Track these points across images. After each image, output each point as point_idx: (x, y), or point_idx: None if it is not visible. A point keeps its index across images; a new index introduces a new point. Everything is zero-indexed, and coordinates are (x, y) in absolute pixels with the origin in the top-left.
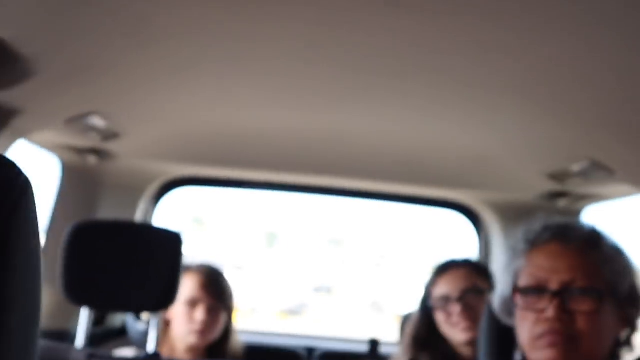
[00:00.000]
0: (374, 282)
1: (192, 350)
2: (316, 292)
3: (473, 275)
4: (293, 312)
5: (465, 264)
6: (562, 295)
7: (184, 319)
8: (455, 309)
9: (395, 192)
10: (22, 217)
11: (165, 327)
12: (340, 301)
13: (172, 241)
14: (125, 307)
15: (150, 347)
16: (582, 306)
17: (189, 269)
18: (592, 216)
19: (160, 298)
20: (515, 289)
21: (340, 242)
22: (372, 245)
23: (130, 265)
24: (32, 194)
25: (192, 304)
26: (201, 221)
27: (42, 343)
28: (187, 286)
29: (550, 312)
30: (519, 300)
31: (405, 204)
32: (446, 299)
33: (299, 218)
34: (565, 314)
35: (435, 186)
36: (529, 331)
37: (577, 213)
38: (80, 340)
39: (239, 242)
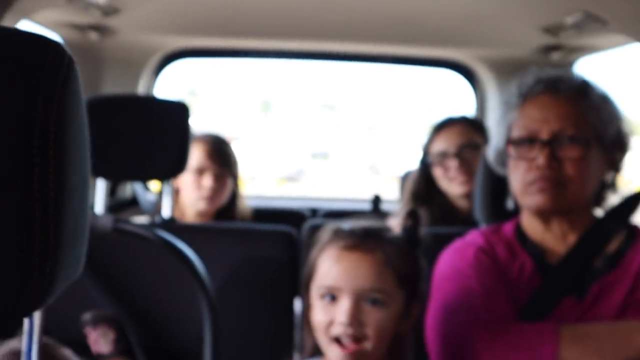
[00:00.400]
0: (371, 145)
1: (202, 215)
2: (314, 158)
3: (469, 130)
4: (291, 178)
5: (461, 121)
6: (551, 144)
7: (192, 187)
8: (453, 163)
9: (390, 53)
10: (72, 89)
11: (174, 195)
12: (337, 166)
13: (179, 111)
14: (138, 177)
15: (165, 212)
16: (570, 153)
17: (195, 138)
18: (585, 68)
19: (171, 166)
20: (509, 141)
21: (333, 107)
22: (367, 109)
23: (141, 136)
24: (76, 68)
25: (200, 171)
26: (196, 93)
27: None
28: (194, 155)
29: (540, 160)
30: (512, 150)
31: (401, 65)
32: (443, 155)
33: (293, 85)
34: (554, 162)
35: (430, 45)
36: (521, 179)
37: (570, 65)
38: (99, 208)
39: (235, 112)
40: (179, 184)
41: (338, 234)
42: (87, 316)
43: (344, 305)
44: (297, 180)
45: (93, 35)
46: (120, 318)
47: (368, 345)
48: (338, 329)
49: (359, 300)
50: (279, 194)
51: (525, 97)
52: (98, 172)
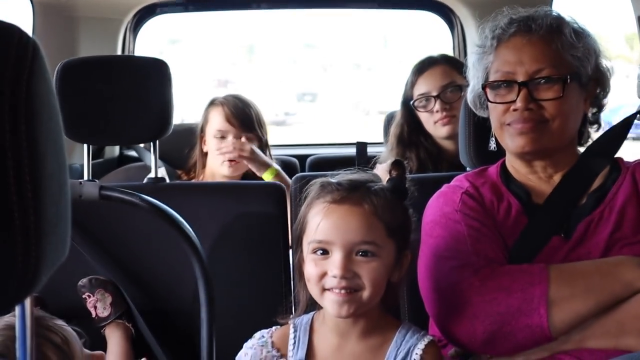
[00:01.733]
0: (358, 85)
1: (228, 179)
2: (300, 101)
3: (450, 71)
4: (279, 123)
5: (442, 61)
6: (528, 86)
7: (215, 151)
8: (436, 105)
9: None
10: (39, 77)
11: (204, 158)
12: (324, 107)
13: (159, 69)
14: (122, 140)
15: (153, 173)
16: (547, 93)
17: (214, 102)
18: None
19: (154, 128)
20: (486, 84)
21: (315, 45)
22: (351, 48)
23: (122, 98)
24: (42, 55)
25: (220, 135)
26: (177, 41)
27: None
28: (214, 119)
29: (518, 102)
30: (490, 94)
31: (377, 9)
32: (426, 97)
33: (275, 27)
34: (532, 103)
35: None
36: (499, 120)
37: (548, 2)
38: (85, 174)
39: (219, 57)
40: (206, 147)
41: (325, 187)
42: (84, 281)
43: (336, 259)
44: (286, 125)
45: None
46: (116, 282)
47: (365, 294)
48: (331, 282)
49: (351, 253)
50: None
51: (499, 40)
52: (80, 138)
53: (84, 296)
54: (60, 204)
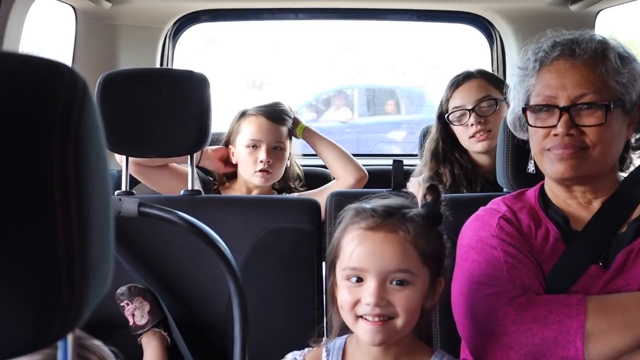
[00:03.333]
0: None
1: (260, 190)
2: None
3: (486, 85)
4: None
5: (478, 75)
6: (570, 111)
7: (247, 162)
8: (470, 118)
9: (406, 8)
10: (89, 117)
11: (230, 168)
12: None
13: (198, 83)
14: (161, 152)
15: (190, 185)
16: (589, 119)
17: (245, 113)
18: (607, 20)
19: (192, 140)
20: (526, 108)
21: (349, 48)
22: (385, 53)
23: (161, 111)
24: (90, 93)
25: (254, 145)
26: (214, 40)
27: None
28: (248, 129)
29: (559, 127)
30: (530, 117)
31: (417, 21)
32: (461, 110)
33: (308, 30)
34: (574, 129)
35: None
36: (539, 145)
37: (592, 18)
38: (123, 185)
39: (254, 59)
40: (237, 159)
41: (360, 213)
42: (122, 289)
43: (370, 286)
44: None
45: (106, 4)
46: (154, 291)
47: (399, 322)
48: (365, 309)
49: (385, 281)
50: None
51: (542, 63)
52: (120, 149)
53: (122, 304)
54: (105, 241)
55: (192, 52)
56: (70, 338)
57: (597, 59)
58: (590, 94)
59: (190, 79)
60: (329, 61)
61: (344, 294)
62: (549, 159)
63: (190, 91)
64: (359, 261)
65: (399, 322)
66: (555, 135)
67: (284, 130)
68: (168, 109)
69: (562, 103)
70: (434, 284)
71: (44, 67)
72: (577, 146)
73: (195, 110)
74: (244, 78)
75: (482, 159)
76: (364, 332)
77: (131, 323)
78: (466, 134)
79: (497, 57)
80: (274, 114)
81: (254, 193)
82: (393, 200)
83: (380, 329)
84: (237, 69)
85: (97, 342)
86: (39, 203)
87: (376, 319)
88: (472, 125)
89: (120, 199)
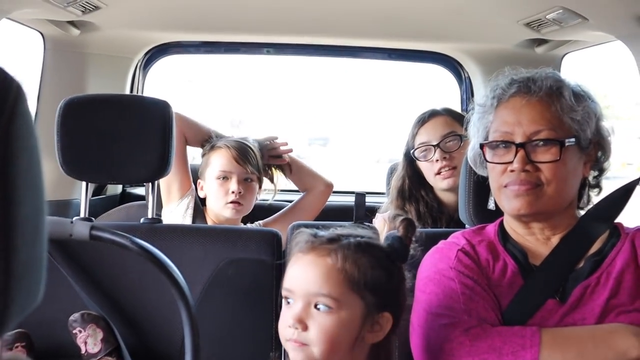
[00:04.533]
0: (368, 132)
1: (231, 223)
2: (311, 145)
3: (451, 122)
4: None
5: (444, 112)
6: (525, 147)
7: (218, 194)
8: (435, 154)
9: (377, 46)
10: (20, 120)
11: (199, 203)
12: (335, 152)
13: (161, 110)
14: (121, 179)
15: (150, 213)
16: (545, 156)
17: (214, 146)
18: (574, 63)
19: (154, 168)
20: (483, 144)
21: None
22: (362, 96)
23: (123, 137)
24: (25, 97)
25: (224, 177)
26: (192, 80)
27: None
28: (218, 161)
29: (515, 163)
30: (488, 154)
31: (388, 60)
32: (427, 146)
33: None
34: (530, 165)
35: (416, 39)
36: (496, 181)
37: (558, 60)
38: (82, 211)
39: (233, 98)
40: (205, 192)
41: (304, 238)
42: (75, 316)
43: (293, 308)
44: None
45: (74, 32)
46: (108, 319)
47: (314, 349)
48: (286, 332)
49: (309, 305)
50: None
51: (500, 99)
52: (79, 175)
53: (74, 331)
54: (34, 248)
55: (173, 90)
56: None
57: (552, 96)
58: (545, 130)
59: (152, 105)
60: (307, 102)
61: (281, 316)
62: (505, 195)
63: (152, 118)
64: (288, 282)
65: (315, 349)
66: (511, 171)
67: (257, 160)
68: (129, 135)
69: (518, 139)
70: (372, 317)
71: None
72: (533, 182)
73: (157, 137)
74: (224, 117)
75: (448, 197)
76: (290, 353)
77: (83, 351)
78: (432, 170)
79: (466, 97)
80: (242, 149)
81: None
82: (349, 230)
83: (300, 353)
84: (217, 108)
85: None
86: None
87: (292, 343)
88: (437, 160)
89: (71, 222)
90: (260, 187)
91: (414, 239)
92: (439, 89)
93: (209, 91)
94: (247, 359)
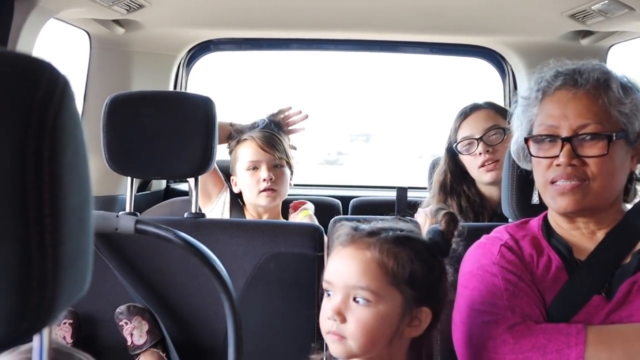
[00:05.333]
0: (411, 128)
1: (272, 215)
2: (353, 141)
3: (495, 115)
4: (332, 162)
5: (486, 106)
6: (572, 141)
7: (250, 184)
8: (479, 148)
9: (420, 41)
10: (67, 114)
11: (237, 198)
12: (377, 148)
13: (204, 107)
14: (165, 175)
15: (193, 208)
16: (592, 150)
17: (243, 138)
18: (621, 55)
19: (196, 164)
20: (528, 138)
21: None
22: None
23: (167, 133)
24: (72, 91)
25: (254, 167)
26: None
27: (93, 212)
28: (245, 153)
29: (561, 158)
30: (533, 148)
31: (430, 54)
32: (470, 139)
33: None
34: (576, 159)
35: (459, 33)
36: (542, 176)
37: (604, 52)
38: (127, 206)
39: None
40: (239, 185)
41: (345, 231)
42: (121, 308)
43: (333, 301)
44: (337, 164)
45: (119, 31)
46: (153, 311)
47: (350, 342)
48: (325, 324)
49: (348, 297)
50: (313, 182)
51: (545, 92)
52: (124, 171)
53: (120, 323)
54: (80, 239)
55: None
56: (45, 339)
57: (599, 89)
58: (592, 124)
59: (195, 102)
60: (350, 98)
61: (322, 308)
62: (550, 193)
63: (195, 114)
64: (328, 274)
65: (351, 342)
66: (557, 165)
67: (283, 146)
68: (173, 131)
69: (564, 133)
70: (411, 311)
71: (25, 63)
72: (579, 177)
73: (200, 133)
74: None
75: (491, 191)
76: (329, 345)
77: (129, 342)
78: (475, 163)
79: (509, 90)
80: (268, 137)
81: (264, 218)
82: (390, 224)
83: (337, 345)
84: (258, 105)
85: (84, 355)
86: (12, 197)
87: (331, 335)
88: (480, 154)
89: (117, 216)
90: (292, 172)
91: (456, 233)
92: (481, 83)
93: (250, 88)
94: (290, 351)
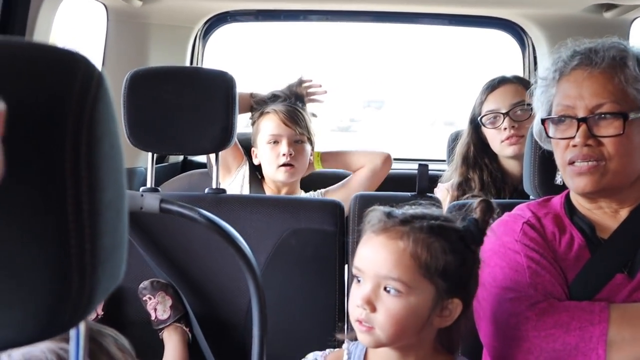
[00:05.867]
0: (424, 95)
1: (290, 190)
2: (366, 108)
3: (522, 90)
4: (344, 129)
5: (515, 80)
6: (588, 122)
7: (270, 158)
8: (504, 122)
9: (439, 12)
10: (103, 107)
11: (256, 172)
12: (390, 115)
13: (224, 82)
14: (186, 150)
15: (214, 183)
16: (608, 130)
17: (266, 111)
18: None
19: (217, 140)
20: (544, 120)
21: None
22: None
23: (187, 109)
24: (106, 84)
25: (275, 140)
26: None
27: None
28: (267, 126)
29: (577, 138)
30: (550, 129)
31: (448, 25)
32: (495, 113)
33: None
34: (592, 139)
35: (480, 5)
36: (561, 157)
37: (627, 25)
38: (148, 181)
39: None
40: (259, 158)
41: (377, 216)
42: (145, 284)
43: (363, 289)
44: (350, 131)
45: (137, 3)
46: (176, 287)
47: (378, 332)
48: (354, 312)
49: (379, 287)
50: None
51: (562, 73)
52: (145, 146)
53: (144, 298)
54: (117, 232)
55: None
56: (82, 328)
57: (615, 67)
58: (607, 103)
59: (215, 77)
60: (363, 65)
61: (350, 295)
62: (569, 173)
63: (215, 89)
64: (359, 261)
65: (379, 332)
66: (574, 146)
67: (305, 122)
68: (194, 107)
69: (580, 113)
70: (442, 302)
71: (61, 57)
72: (596, 157)
73: (220, 109)
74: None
75: (512, 166)
76: (356, 333)
77: (153, 317)
78: (498, 137)
79: (529, 64)
80: (290, 112)
81: (283, 192)
82: (422, 210)
83: (365, 334)
84: (273, 73)
85: (112, 331)
86: (51, 192)
87: (359, 323)
88: (505, 129)
89: (142, 195)
90: (312, 148)
91: (490, 221)
92: (500, 54)
93: (264, 55)
94: (311, 327)
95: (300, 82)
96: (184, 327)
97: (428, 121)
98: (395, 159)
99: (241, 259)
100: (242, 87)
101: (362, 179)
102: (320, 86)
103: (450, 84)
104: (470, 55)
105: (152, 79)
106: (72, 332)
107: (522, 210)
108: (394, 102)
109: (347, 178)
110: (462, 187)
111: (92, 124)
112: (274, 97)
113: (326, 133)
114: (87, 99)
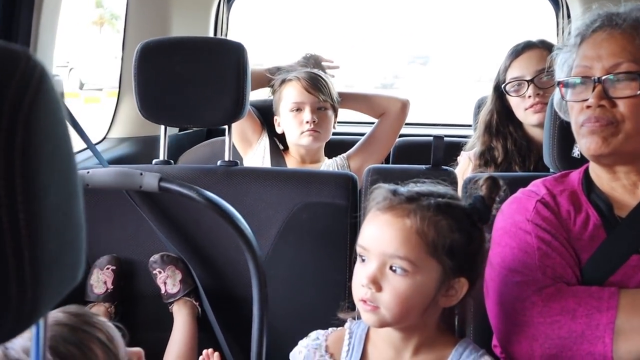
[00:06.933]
0: (470, 51)
1: (310, 152)
2: (411, 64)
3: (547, 57)
4: (387, 86)
5: (540, 45)
6: (604, 82)
7: (293, 125)
8: (529, 90)
9: None
10: (44, 107)
11: (280, 141)
12: (435, 71)
13: (236, 53)
14: (197, 123)
15: (227, 156)
16: (624, 91)
17: (288, 78)
18: None
19: (229, 112)
20: (560, 81)
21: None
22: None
23: (199, 80)
24: (51, 83)
25: (298, 108)
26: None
27: (118, 169)
28: (290, 94)
29: (591, 99)
30: (566, 92)
31: None
32: (520, 80)
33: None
34: (606, 100)
35: None
36: (575, 122)
37: None
38: (161, 154)
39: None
40: (282, 126)
41: (383, 194)
42: (155, 257)
43: (368, 268)
44: (393, 88)
45: None
46: (186, 261)
47: (385, 312)
48: (359, 291)
49: (384, 265)
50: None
51: (583, 37)
52: (156, 119)
53: (154, 272)
54: (67, 233)
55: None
56: (42, 327)
57: (637, 28)
58: (625, 63)
59: (227, 48)
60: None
61: (355, 273)
62: (580, 135)
63: (227, 60)
64: (363, 240)
65: (385, 311)
66: (588, 107)
67: (328, 89)
68: (205, 78)
69: (597, 74)
70: (448, 281)
71: (4, 52)
72: (607, 119)
73: (232, 80)
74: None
75: (538, 134)
76: (360, 312)
77: (163, 291)
78: (522, 105)
79: (563, 27)
80: (313, 79)
81: (307, 162)
82: (427, 187)
83: (370, 313)
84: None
85: (102, 319)
86: None
87: (363, 304)
88: (529, 97)
89: (141, 174)
90: (336, 115)
91: (497, 199)
92: (537, 15)
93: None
94: (321, 301)
95: (312, 56)
96: (194, 301)
97: (474, 78)
98: (421, 124)
99: (241, 238)
100: (263, 61)
101: (387, 127)
102: (333, 62)
103: (496, 40)
104: (514, 13)
105: (163, 50)
106: (33, 330)
107: (537, 187)
108: (439, 58)
109: (364, 138)
110: (485, 157)
111: (30, 124)
112: (291, 68)
113: (370, 90)
114: (22, 104)
